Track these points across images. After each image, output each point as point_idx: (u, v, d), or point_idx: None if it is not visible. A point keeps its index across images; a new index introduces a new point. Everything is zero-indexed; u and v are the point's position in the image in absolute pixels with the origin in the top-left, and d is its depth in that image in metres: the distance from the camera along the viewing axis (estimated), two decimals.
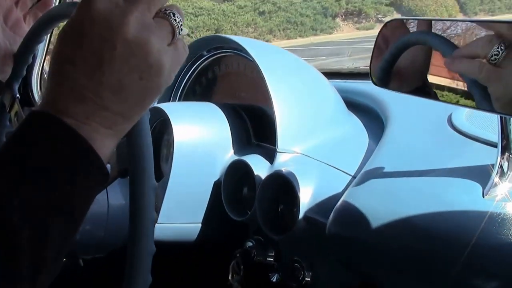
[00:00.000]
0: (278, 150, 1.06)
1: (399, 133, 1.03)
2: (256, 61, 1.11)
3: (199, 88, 1.42)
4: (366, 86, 1.32)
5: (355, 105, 1.27)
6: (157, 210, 1.11)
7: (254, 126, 1.23)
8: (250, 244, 1.11)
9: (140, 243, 0.65)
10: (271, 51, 1.26)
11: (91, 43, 0.53)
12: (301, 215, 0.96)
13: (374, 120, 1.20)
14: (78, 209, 0.53)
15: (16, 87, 1.08)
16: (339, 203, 0.88)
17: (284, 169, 1.01)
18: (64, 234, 0.52)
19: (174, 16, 0.58)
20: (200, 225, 1.16)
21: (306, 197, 0.97)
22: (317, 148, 1.08)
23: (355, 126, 1.20)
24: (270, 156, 1.09)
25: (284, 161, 1.06)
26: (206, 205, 1.16)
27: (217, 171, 1.16)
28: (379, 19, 17.78)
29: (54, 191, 0.51)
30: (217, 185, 1.15)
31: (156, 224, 1.07)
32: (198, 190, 1.15)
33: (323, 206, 0.94)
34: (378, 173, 0.91)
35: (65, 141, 0.53)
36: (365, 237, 0.84)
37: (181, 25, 0.59)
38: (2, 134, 1.08)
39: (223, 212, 1.13)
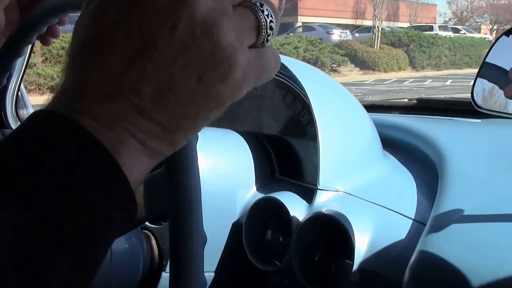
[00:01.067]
0: (319, 188, 0.89)
1: (464, 169, 0.90)
2: (304, 87, 0.96)
3: None
4: (401, 120, 1.23)
5: (388, 141, 1.13)
6: (167, 257, 0.94)
7: (279, 159, 1.07)
8: None
9: None
10: (317, 74, 1.10)
11: (142, 16, 0.37)
12: (355, 266, 0.79)
13: (411, 158, 1.07)
14: (91, 254, 0.35)
15: None
16: (415, 256, 0.71)
17: (327, 210, 0.86)
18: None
19: (263, 11, 0.40)
20: (213, 274, 1.00)
21: (362, 245, 0.81)
22: (364, 187, 0.93)
23: (393, 163, 1.06)
24: (306, 194, 0.93)
25: (325, 200, 0.90)
26: (222, 251, 0.99)
27: (236, 210, 1.00)
28: (334, 68, 18.04)
29: (59, 223, 0.33)
30: (236, 227, 0.99)
31: (163, 273, 0.93)
32: (213, 233, 0.96)
33: (389, 258, 0.79)
34: (457, 218, 0.76)
35: (79, 151, 0.35)
36: None
37: (272, 26, 0.41)
38: None
39: (241, 259, 0.96)
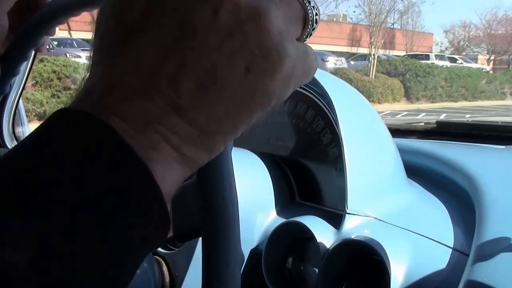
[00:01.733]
0: (348, 212, 0.85)
1: (500, 196, 0.85)
2: (333, 102, 0.91)
3: None
4: (421, 145, 1.19)
5: (408, 167, 1.08)
6: (178, 285, 0.89)
7: (298, 182, 1.03)
8: None
9: None
10: (345, 87, 1.05)
11: (178, 0, 0.33)
12: None
13: (436, 183, 1.03)
14: (118, 277, 0.31)
15: None
16: (464, 285, 0.66)
17: (357, 236, 0.81)
18: None
19: (310, 2, 0.36)
20: None
21: (398, 275, 0.76)
22: (392, 213, 0.88)
23: (419, 190, 1.02)
24: (331, 219, 0.88)
25: (354, 226, 0.85)
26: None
27: (255, 236, 0.95)
28: None
29: (83, 239, 0.29)
30: (253, 254, 0.94)
31: None
32: None
33: None
34: (503, 247, 0.71)
35: (108, 159, 0.30)
36: None
37: (317, 19, 0.37)
38: None
39: None
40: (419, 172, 1.07)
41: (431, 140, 1.34)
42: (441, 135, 1.40)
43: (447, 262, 0.77)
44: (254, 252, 0.93)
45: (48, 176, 0.29)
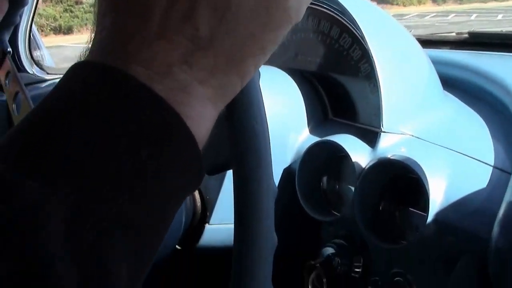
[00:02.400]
0: (383, 130, 0.84)
1: None
2: (355, 18, 0.90)
3: None
4: (455, 56, 1.15)
5: (443, 78, 1.06)
6: (210, 208, 0.92)
7: (330, 98, 1.02)
8: (330, 250, 0.90)
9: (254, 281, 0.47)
10: (366, 4, 1.03)
11: None
12: (430, 218, 0.75)
13: (472, 97, 1.01)
14: (154, 233, 0.31)
15: (7, 37, 0.96)
16: (505, 207, 0.66)
17: (394, 155, 0.80)
18: (133, 269, 0.29)
19: None
20: None
21: (437, 194, 0.76)
22: (432, 129, 0.87)
23: (457, 104, 1.00)
24: (367, 137, 0.88)
25: (390, 144, 0.85)
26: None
27: (287, 156, 0.96)
28: None
29: (117, 197, 0.28)
30: (287, 173, 0.95)
31: (207, 225, 0.92)
32: None
33: (469, 210, 0.74)
34: None
35: (135, 108, 0.30)
36: None
37: None
38: None
39: (292, 208, 0.93)
40: (455, 83, 1.06)
41: (466, 51, 1.32)
42: (474, 45, 1.38)
43: (488, 181, 0.76)
44: (287, 172, 0.94)
45: (82, 132, 0.28)
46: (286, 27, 0.34)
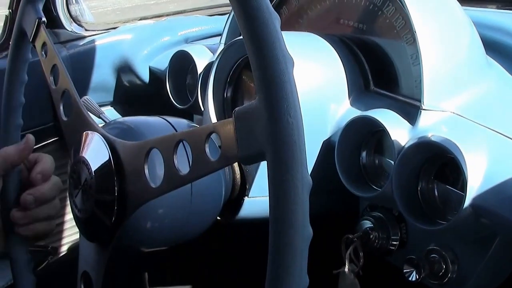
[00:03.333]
0: (423, 108, 0.88)
1: None
2: None
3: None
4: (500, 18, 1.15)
5: (491, 44, 1.08)
6: (250, 182, 0.97)
7: (372, 68, 1.04)
8: (368, 224, 0.96)
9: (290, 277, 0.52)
10: None
11: None
12: (467, 201, 0.79)
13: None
14: None
15: (40, 6, 0.96)
16: None
17: (434, 136, 0.83)
18: None
19: None
20: None
21: (476, 177, 0.80)
22: (473, 106, 0.90)
23: (502, 75, 1.02)
24: (407, 113, 0.91)
25: (431, 123, 0.88)
26: (310, 171, 0.99)
27: (327, 128, 1.00)
28: None
29: None
30: (326, 146, 0.99)
31: (246, 198, 0.96)
32: None
33: (506, 194, 0.78)
34: None
35: None
36: None
37: None
38: (23, 72, 1.01)
39: (331, 181, 0.96)
40: (499, 48, 1.07)
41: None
42: None
43: None
44: (327, 144, 0.98)
45: None
46: None
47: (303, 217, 0.51)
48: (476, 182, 0.79)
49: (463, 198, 0.79)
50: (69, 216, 1.69)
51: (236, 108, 0.56)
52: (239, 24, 0.55)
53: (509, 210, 0.77)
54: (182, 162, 0.65)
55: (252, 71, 0.54)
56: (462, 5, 1.11)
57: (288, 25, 1.22)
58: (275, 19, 0.54)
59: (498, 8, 1.35)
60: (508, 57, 1.06)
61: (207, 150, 0.60)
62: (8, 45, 1.44)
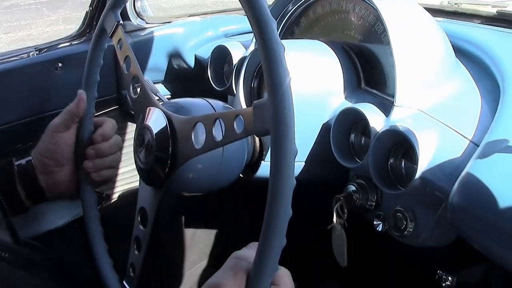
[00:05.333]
0: (395, 105, 1.08)
1: None
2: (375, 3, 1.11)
3: (297, 29, 1.44)
4: (473, 31, 1.32)
5: (461, 52, 1.26)
6: (266, 149, 1.16)
7: (364, 69, 1.24)
8: (352, 188, 1.17)
9: (279, 209, 0.72)
10: None
11: None
12: (418, 174, 0.99)
13: (482, 73, 1.20)
14: None
15: (119, 12, 1.13)
16: (464, 173, 0.90)
17: (401, 126, 1.03)
18: None
19: None
20: (303, 163, 1.22)
21: (425, 158, 0.99)
22: (434, 105, 1.09)
23: (466, 79, 1.19)
24: (385, 107, 1.10)
25: (401, 116, 1.07)
26: (311, 146, 1.20)
27: (326, 114, 1.19)
28: None
29: None
30: (325, 128, 1.19)
31: (262, 162, 1.15)
32: (305, 131, 1.19)
33: (443, 171, 0.97)
34: (503, 147, 0.92)
35: None
36: (488, 215, 0.87)
37: None
38: (100, 57, 1.17)
39: (327, 155, 1.17)
40: (469, 55, 1.25)
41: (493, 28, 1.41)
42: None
43: (463, 151, 0.99)
44: (325, 127, 1.19)
45: None
46: None
47: (288, 170, 0.71)
48: (426, 161, 0.99)
49: (415, 172, 1.00)
50: (121, 170, 1.90)
51: (255, 101, 0.76)
52: (259, 51, 0.75)
53: (446, 182, 0.95)
54: (217, 132, 0.83)
55: (264, 78, 0.74)
56: (450, 19, 1.28)
57: (305, 31, 1.42)
58: (281, 49, 0.72)
59: (482, 23, 1.47)
60: (475, 64, 1.23)
61: (234, 125, 0.79)
62: (84, 34, 1.68)
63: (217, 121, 0.84)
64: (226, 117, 0.82)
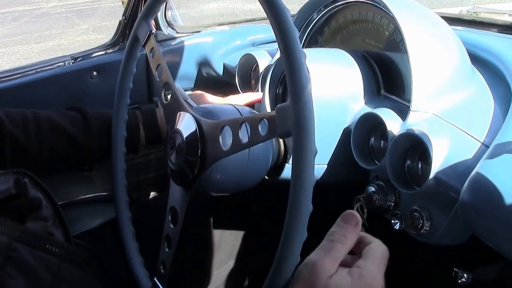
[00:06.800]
0: (411, 109, 1.14)
1: None
2: (391, 10, 1.18)
3: (321, 37, 1.51)
4: (489, 40, 1.38)
5: (477, 59, 1.32)
6: (290, 152, 1.20)
7: (383, 76, 1.30)
8: (372, 189, 1.24)
9: (300, 205, 0.79)
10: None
11: None
12: (432, 174, 1.05)
13: (498, 80, 1.26)
14: None
15: (151, 21, 1.19)
16: (474, 173, 0.95)
17: (416, 129, 1.09)
18: None
19: None
20: (326, 166, 1.28)
21: (439, 159, 1.05)
22: (448, 109, 1.15)
23: (481, 85, 1.25)
24: (402, 112, 1.16)
25: (416, 120, 1.13)
26: (333, 150, 1.27)
27: (347, 119, 1.26)
28: None
29: None
30: (346, 132, 1.26)
31: (286, 164, 1.21)
32: (327, 135, 1.26)
33: (456, 172, 1.02)
34: (511, 148, 0.99)
35: None
36: (497, 212, 0.92)
37: None
38: (133, 65, 1.24)
39: (348, 158, 1.24)
40: (486, 63, 1.31)
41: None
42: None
43: (474, 153, 1.05)
44: (346, 131, 1.26)
45: None
46: None
47: (309, 168, 0.78)
48: (439, 162, 1.05)
49: (428, 172, 1.06)
50: (151, 174, 1.96)
51: (278, 105, 0.82)
52: (282, 58, 0.81)
53: (457, 181, 1.01)
54: (244, 135, 0.88)
55: (287, 84, 0.80)
56: (468, 27, 1.33)
57: (328, 40, 1.50)
58: (303, 56, 0.77)
59: (498, 31, 1.54)
60: (490, 70, 1.29)
61: (259, 128, 0.84)
62: (118, 43, 1.76)
63: (243, 124, 0.89)
64: (252, 120, 0.87)
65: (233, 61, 1.79)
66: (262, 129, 0.85)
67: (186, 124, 1.05)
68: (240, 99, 1.41)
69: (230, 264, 1.58)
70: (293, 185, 0.79)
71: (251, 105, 1.45)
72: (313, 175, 0.79)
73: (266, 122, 0.84)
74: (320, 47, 1.52)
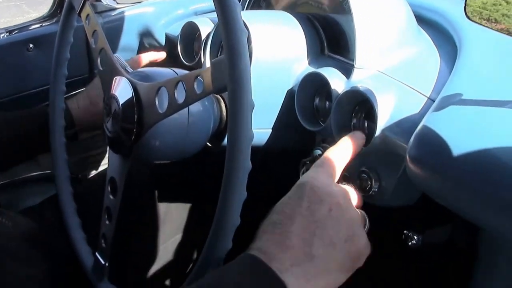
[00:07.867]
0: (355, 67, 1.10)
1: (476, 59, 1.06)
2: None
3: (264, 3, 1.46)
4: (436, 2, 1.35)
5: (424, 20, 1.30)
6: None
7: (327, 37, 1.26)
8: (319, 152, 1.19)
9: (237, 161, 0.75)
10: None
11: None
12: (378, 132, 1.02)
13: (444, 39, 1.24)
14: None
15: None
16: (419, 128, 0.92)
17: (361, 86, 1.05)
18: None
19: None
20: (270, 130, 1.24)
21: (384, 116, 1.02)
22: (393, 67, 1.12)
23: (427, 43, 1.23)
24: (346, 70, 1.13)
25: (360, 77, 1.10)
26: (277, 113, 1.22)
27: (290, 80, 1.21)
28: None
29: None
30: (290, 94, 1.21)
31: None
32: (270, 98, 1.21)
33: (402, 127, 0.99)
34: (457, 100, 0.95)
35: (268, 283, 0.65)
36: (445, 166, 0.88)
37: None
38: (70, 35, 1.20)
39: (293, 121, 1.20)
40: (431, 23, 1.29)
41: None
42: None
43: (421, 108, 1.01)
44: (290, 93, 1.21)
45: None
46: (351, 271, 0.74)
47: (246, 123, 0.75)
48: (385, 119, 1.02)
49: (374, 130, 1.02)
50: (93, 152, 1.91)
51: (212, 60, 0.79)
52: (216, 11, 0.78)
53: (404, 137, 0.97)
54: (180, 96, 0.85)
55: (221, 36, 0.77)
56: None
57: (271, 4, 1.45)
58: (238, 7, 0.76)
59: None
60: (436, 30, 1.27)
61: (195, 86, 0.82)
62: (55, 15, 1.68)
63: (179, 84, 0.86)
64: (187, 78, 0.84)
65: (175, 30, 1.73)
66: (198, 87, 0.82)
67: (122, 89, 1.00)
68: (143, 59, 1.45)
69: (178, 237, 1.55)
70: (230, 141, 0.75)
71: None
72: (251, 129, 0.75)
73: (201, 79, 0.80)
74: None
